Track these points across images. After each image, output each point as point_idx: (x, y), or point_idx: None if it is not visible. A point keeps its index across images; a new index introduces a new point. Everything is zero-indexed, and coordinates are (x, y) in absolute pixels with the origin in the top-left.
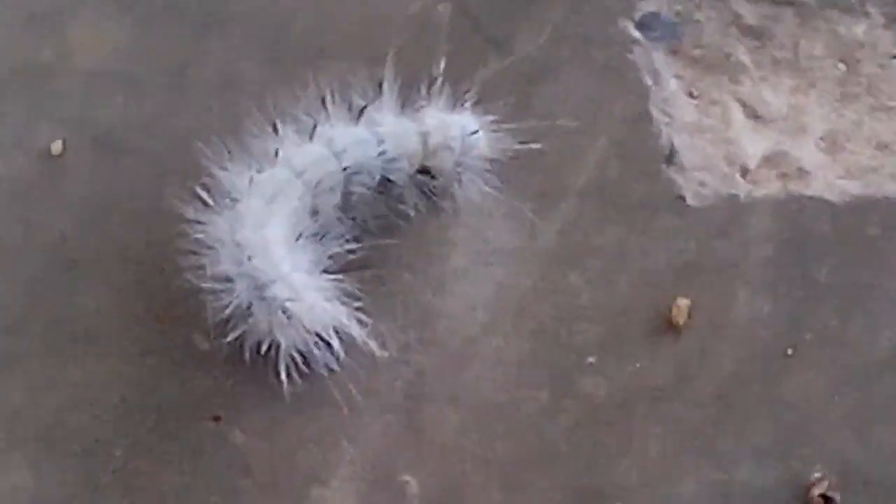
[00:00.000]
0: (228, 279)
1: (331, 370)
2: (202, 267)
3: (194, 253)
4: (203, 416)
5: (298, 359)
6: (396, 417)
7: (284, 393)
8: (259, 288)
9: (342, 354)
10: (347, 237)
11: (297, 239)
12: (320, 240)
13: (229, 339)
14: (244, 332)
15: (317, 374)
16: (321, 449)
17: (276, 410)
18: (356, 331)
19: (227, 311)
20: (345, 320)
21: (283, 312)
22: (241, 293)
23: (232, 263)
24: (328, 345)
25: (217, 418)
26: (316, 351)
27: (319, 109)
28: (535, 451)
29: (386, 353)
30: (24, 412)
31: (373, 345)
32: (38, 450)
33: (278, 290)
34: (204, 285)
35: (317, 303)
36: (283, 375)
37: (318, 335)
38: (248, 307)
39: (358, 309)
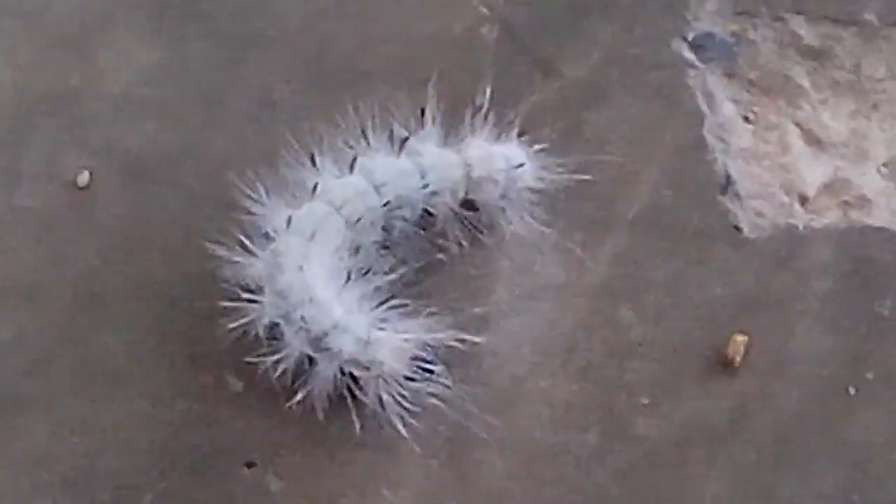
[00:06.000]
0: (278, 333)
1: (440, 398)
2: (241, 312)
3: (232, 297)
4: (237, 461)
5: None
6: (439, 462)
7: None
8: (315, 340)
9: (445, 372)
10: (387, 271)
11: (347, 281)
12: (364, 275)
13: (300, 398)
14: (311, 385)
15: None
16: (361, 496)
17: (314, 455)
18: (445, 336)
19: (287, 365)
20: (429, 337)
21: (358, 365)
22: (294, 346)
23: (278, 315)
24: (424, 372)
25: (251, 464)
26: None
27: (359, 138)
28: (586, 497)
29: (484, 339)
30: (49, 456)
31: (469, 337)
32: (65, 497)
33: (340, 342)
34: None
35: (388, 341)
36: (399, 425)
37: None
38: (310, 360)
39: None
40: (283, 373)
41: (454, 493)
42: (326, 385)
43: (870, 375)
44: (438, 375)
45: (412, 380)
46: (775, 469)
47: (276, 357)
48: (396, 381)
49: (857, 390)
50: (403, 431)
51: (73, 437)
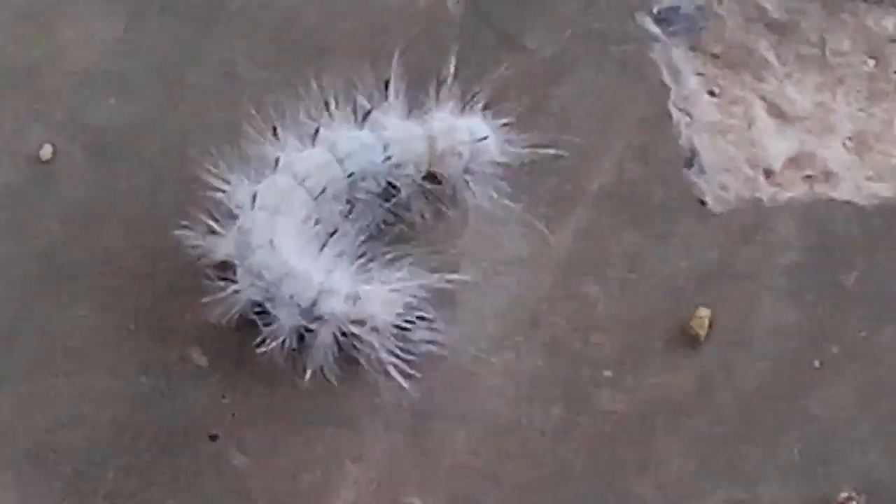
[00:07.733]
0: (266, 308)
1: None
2: (223, 298)
3: (208, 279)
4: (200, 435)
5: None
6: (403, 436)
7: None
8: (306, 312)
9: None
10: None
11: (320, 248)
12: (330, 236)
13: (310, 371)
14: (315, 357)
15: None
16: (324, 470)
17: (277, 429)
18: (431, 280)
19: (289, 342)
20: (416, 283)
21: (353, 322)
22: (286, 322)
23: (261, 296)
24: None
25: (214, 437)
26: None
27: (322, 112)
28: (549, 471)
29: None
30: (12, 430)
31: (458, 276)
32: (27, 470)
33: (330, 305)
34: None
35: (377, 293)
36: (399, 378)
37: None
38: (308, 330)
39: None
40: (289, 352)
41: (418, 466)
42: (329, 353)
43: (834, 349)
44: (431, 321)
45: (405, 329)
46: (739, 442)
47: (278, 339)
48: (390, 333)
49: (821, 363)
50: (405, 384)
51: (36, 411)
